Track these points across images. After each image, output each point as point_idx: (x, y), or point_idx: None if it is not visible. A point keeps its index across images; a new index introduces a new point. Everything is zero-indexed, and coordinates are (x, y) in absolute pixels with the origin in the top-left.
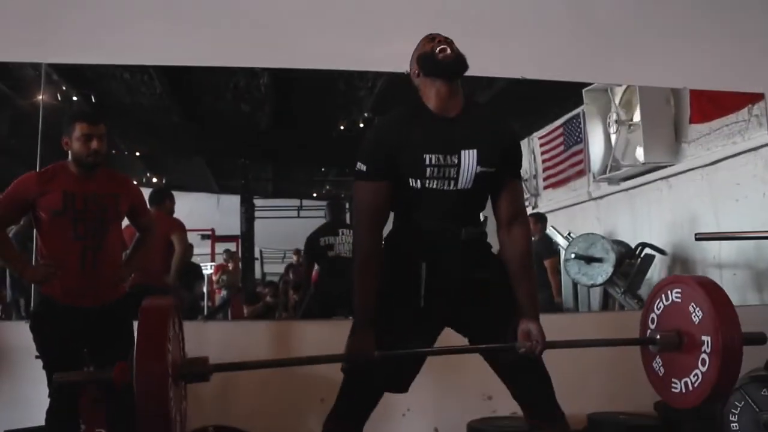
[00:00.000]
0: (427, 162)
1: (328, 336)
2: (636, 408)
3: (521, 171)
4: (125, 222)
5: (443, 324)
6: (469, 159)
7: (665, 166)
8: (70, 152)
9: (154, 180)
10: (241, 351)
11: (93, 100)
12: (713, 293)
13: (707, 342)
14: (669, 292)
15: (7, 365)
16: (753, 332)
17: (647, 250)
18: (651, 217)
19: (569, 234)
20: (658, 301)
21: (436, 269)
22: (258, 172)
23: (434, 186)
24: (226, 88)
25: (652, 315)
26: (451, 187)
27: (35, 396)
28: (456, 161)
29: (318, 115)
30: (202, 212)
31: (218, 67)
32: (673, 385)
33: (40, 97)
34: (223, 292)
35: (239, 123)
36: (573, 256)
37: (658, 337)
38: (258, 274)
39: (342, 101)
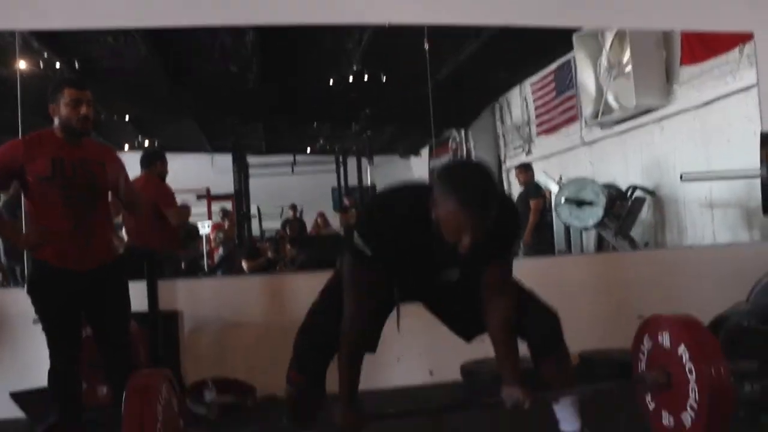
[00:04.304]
0: (410, 279)
1: (319, 285)
2: (625, 345)
3: (513, 253)
4: None
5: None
6: (449, 273)
7: (657, 109)
8: (57, 119)
9: (146, 143)
10: (236, 307)
11: (76, 66)
12: (693, 330)
13: (692, 372)
14: (650, 334)
15: (7, 331)
16: (743, 363)
17: (638, 192)
18: (643, 159)
19: (560, 179)
20: (641, 345)
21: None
22: (249, 131)
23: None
24: (212, 48)
25: (641, 365)
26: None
27: (37, 359)
28: (437, 274)
29: (306, 71)
30: (197, 172)
31: (202, 28)
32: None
33: (17, 65)
34: (221, 250)
35: (228, 82)
36: (563, 200)
37: (647, 377)
38: (257, 231)
39: (330, 56)
